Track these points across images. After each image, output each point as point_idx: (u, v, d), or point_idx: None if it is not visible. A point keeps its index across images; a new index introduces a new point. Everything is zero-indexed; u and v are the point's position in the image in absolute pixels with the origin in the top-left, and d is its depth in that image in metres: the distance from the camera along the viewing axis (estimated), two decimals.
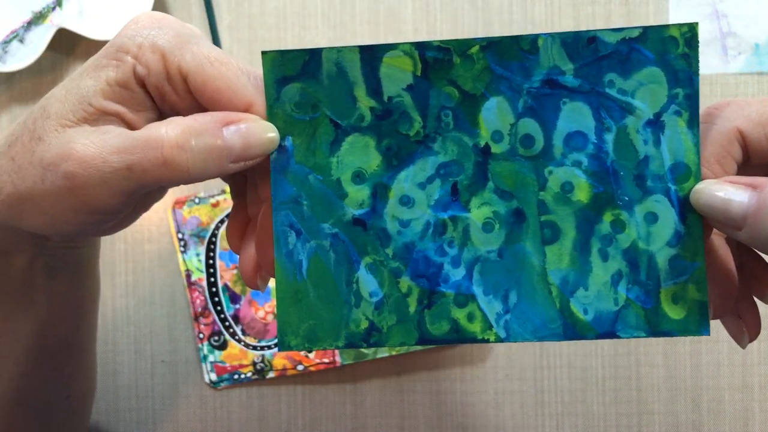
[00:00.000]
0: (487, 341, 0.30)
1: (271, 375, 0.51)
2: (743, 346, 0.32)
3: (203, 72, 0.29)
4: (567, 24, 0.51)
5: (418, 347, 0.50)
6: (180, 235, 0.51)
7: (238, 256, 0.34)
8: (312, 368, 0.50)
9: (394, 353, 0.50)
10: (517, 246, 0.30)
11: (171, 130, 0.28)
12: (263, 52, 0.30)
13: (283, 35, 0.52)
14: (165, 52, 0.29)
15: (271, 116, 0.30)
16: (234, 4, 0.52)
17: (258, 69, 0.31)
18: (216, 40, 0.52)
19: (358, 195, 0.30)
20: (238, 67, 0.29)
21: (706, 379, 0.51)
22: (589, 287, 0.30)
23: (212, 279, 0.51)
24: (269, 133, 0.30)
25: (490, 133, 0.30)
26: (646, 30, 0.29)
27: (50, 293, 0.36)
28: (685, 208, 0.30)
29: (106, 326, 0.52)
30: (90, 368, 0.43)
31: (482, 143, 0.30)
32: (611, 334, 0.30)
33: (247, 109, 0.30)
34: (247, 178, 0.33)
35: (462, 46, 0.29)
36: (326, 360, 0.50)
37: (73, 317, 0.38)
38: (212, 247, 0.51)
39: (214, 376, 0.51)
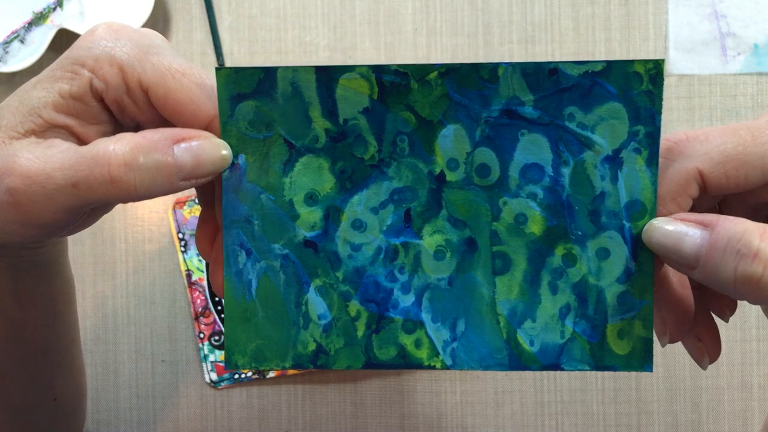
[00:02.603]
0: (434, 368, 0.30)
1: (271, 374, 0.51)
2: (704, 368, 0.32)
3: (165, 84, 0.28)
4: (566, 25, 0.51)
5: None
6: (180, 235, 0.51)
7: None
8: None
9: None
10: (468, 275, 0.30)
11: (119, 147, 0.27)
12: (217, 69, 0.29)
13: (283, 35, 0.52)
14: (123, 65, 0.28)
15: (224, 133, 0.29)
16: (234, 4, 0.52)
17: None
18: (216, 41, 0.52)
19: (310, 217, 0.30)
20: (200, 78, 0.29)
21: (705, 379, 0.51)
22: (537, 319, 0.30)
23: None
24: (222, 150, 0.29)
25: (446, 161, 0.30)
26: (610, 64, 0.28)
27: (17, 294, 0.35)
28: (638, 245, 0.29)
29: (107, 326, 0.52)
30: (76, 371, 0.42)
31: (437, 170, 0.30)
32: (556, 366, 0.30)
33: (209, 123, 0.29)
34: (215, 186, 0.32)
35: (420, 71, 0.29)
36: None
37: (46, 317, 0.38)
38: None
39: (214, 376, 0.51)
